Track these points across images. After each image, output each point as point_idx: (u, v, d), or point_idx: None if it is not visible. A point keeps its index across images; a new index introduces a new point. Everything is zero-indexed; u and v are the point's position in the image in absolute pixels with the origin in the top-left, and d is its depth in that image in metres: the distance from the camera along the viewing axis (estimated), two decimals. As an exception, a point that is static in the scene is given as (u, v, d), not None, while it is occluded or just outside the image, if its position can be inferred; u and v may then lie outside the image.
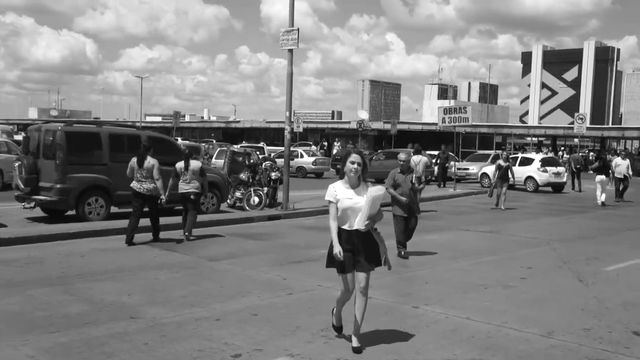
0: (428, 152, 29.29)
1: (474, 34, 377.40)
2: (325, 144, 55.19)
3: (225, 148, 23.22)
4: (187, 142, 38.11)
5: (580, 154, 36.36)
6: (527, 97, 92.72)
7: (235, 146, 26.24)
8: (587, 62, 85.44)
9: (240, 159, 18.04)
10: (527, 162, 27.69)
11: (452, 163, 28.95)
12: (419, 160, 15.85)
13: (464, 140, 46.22)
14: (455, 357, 5.64)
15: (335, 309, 5.98)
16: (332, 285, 8.30)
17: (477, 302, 7.67)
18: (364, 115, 60.07)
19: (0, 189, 18.66)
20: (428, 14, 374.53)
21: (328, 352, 5.65)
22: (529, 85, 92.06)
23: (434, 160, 28.70)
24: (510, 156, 31.42)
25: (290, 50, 16.26)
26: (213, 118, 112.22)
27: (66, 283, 8.01)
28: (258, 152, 23.49)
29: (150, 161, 11.29)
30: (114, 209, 13.73)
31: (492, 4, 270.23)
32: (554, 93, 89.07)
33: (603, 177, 21.60)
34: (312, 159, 34.16)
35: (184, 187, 12.12)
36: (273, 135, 61.43)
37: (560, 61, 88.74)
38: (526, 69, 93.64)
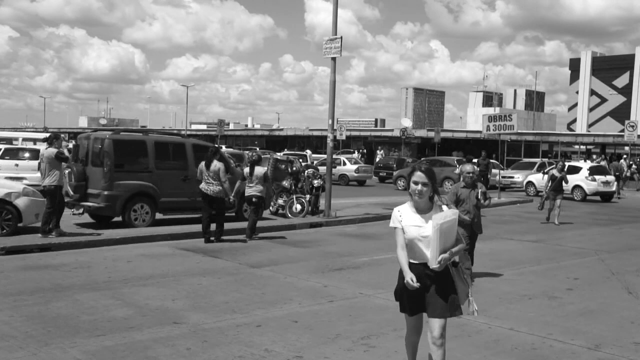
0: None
1: (520, 41, 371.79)
2: (365, 151, 55.02)
3: (269, 155, 23.40)
4: (231, 149, 38.51)
5: (621, 161, 35.45)
6: (575, 105, 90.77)
7: (279, 154, 26.42)
8: (639, 67, 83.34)
9: (283, 166, 18.18)
10: (574, 170, 27.09)
11: (495, 171, 28.45)
12: None
13: (509, 148, 45.58)
14: (497, 368, 5.55)
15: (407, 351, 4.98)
16: (372, 293, 8.28)
17: (521, 313, 7.53)
18: (407, 123, 59.70)
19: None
20: (473, 21, 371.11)
21: (368, 361, 5.62)
22: (577, 92, 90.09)
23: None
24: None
25: (334, 59, 16.32)
26: (257, 126, 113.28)
27: (112, 288, 8.18)
28: (301, 160, 23.62)
29: (216, 164, 12.18)
30: (158, 216, 13.98)
31: (539, 10, 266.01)
32: (603, 100, 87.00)
33: None
34: (355, 166, 34.13)
35: (248, 191, 13.09)
36: (316, 143, 61.63)
37: (610, 67, 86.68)
38: (574, 76, 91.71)
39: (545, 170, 28.92)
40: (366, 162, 43.49)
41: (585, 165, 28.24)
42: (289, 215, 16.66)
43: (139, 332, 6.27)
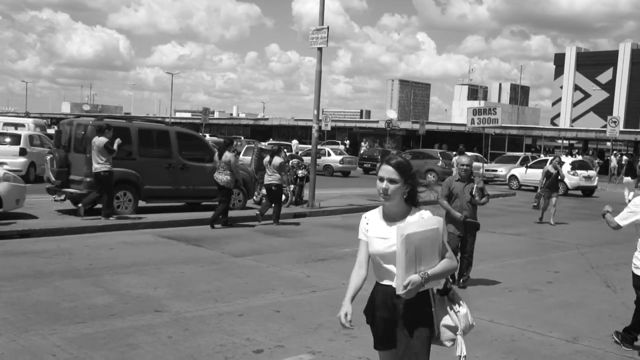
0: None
1: (506, 35, 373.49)
2: (347, 142, 54.80)
3: (253, 145, 23.35)
4: (214, 138, 38.35)
5: (611, 156, 35.82)
6: (559, 100, 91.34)
7: (263, 143, 26.36)
8: (623, 64, 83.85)
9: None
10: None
11: (478, 164, 28.62)
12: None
13: (493, 142, 45.80)
14: (477, 359, 5.60)
15: None
16: (355, 284, 8.31)
17: (501, 305, 7.60)
18: (392, 114, 59.70)
19: (32, 182, 18.98)
20: (460, 14, 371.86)
21: (349, 350, 5.65)
22: (561, 87, 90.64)
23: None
24: (540, 159, 31.19)
25: (320, 49, 16.27)
26: (242, 115, 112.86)
27: (93, 275, 8.13)
28: (285, 150, 23.59)
29: (227, 155, 12.91)
30: (141, 204, 13.90)
31: (526, 4, 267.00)
32: (587, 95, 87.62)
33: (629, 178, 21.99)
34: (340, 157, 34.14)
35: (267, 179, 13.87)
36: (301, 133, 61.54)
37: (594, 63, 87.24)
38: (559, 71, 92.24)
39: (528, 165, 29.21)
40: (351, 154, 43.56)
41: (567, 159, 28.50)
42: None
43: (120, 319, 6.24)
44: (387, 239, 3.35)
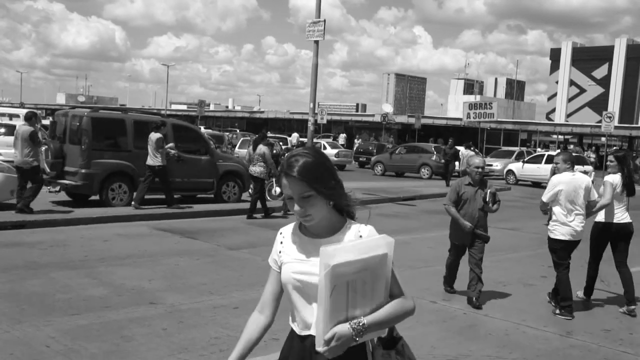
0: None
1: (503, 29, 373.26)
2: (344, 135, 54.31)
3: (249, 138, 23.31)
4: (210, 130, 38.28)
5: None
6: (555, 95, 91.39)
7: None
8: (618, 59, 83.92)
9: (263, 149, 18.06)
10: (552, 160, 27.43)
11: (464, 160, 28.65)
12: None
13: (488, 136, 45.82)
14: (471, 353, 5.62)
15: None
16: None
17: (496, 300, 7.62)
18: (388, 108, 59.69)
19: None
20: (457, 8, 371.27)
21: (344, 344, 5.64)
22: (556, 82, 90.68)
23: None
24: (537, 154, 31.22)
25: (316, 42, 16.25)
26: (237, 108, 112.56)
27: (88, 267, 8.12)
28: (281, 143, 23.56)
29: (261, 148, 13.56)
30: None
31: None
32: (582, 91, 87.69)
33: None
34: (335, 151, 34.14)
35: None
36: (297, 126, 61.48)
37: (590, 58, 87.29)
38: (554, 66, 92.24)
39: (524, 160, 29.26)
40: (346, 148, 43.54)
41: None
42: (269, 197, 16.61)
43: (115, 311, 6.24)
44: (308, 260, 2.29)
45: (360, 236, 2.31)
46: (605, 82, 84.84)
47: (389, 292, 2.28)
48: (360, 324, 2.16)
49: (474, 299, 7.18)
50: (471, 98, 79.41)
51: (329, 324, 2.14)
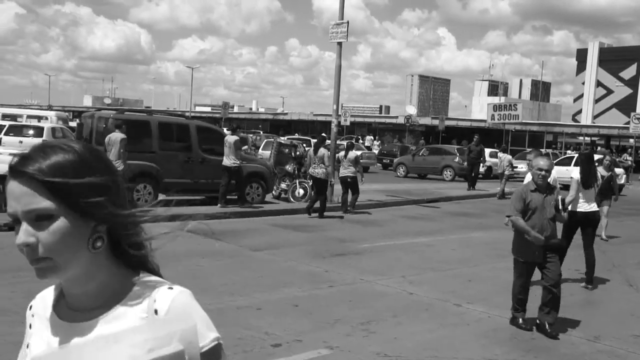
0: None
1: (528, 30, 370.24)
2: (371, 137, 54.41)
3: (272, 139, 23.38)
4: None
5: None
6: (581, 96, 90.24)
7: (282, 138, 26.38)
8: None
9: (287, 150, 18.13)
10: (570, 162, 27.03)
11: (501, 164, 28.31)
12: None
13: (513, 138, 45.45)
14: (495, 357, 5.55)
15: None
16: (373, 279, 8.28)
17: (521, 303, 7.52)
18: (411, 110, 59.51)
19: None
20: (482, 9, 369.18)
21: (367, 346, 5.62)
22: (583, 84, 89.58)
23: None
24: (566, 156, 30.80)
25: (340, 44, 16.22)
26: (261, 110, 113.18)
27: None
28: (304, 145, 23.58)
29: (322, 151, 14.09)
30: (161, 197, 13.96)
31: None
32: (609, 92, 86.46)
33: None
34: (359, 152, 34.04)
35: (343, 172, 15.13)
36: (320, 128, 61.51)
37: (617, 59, 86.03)
38: (581, 67, 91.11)
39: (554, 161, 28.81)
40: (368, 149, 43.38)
41: (594, 157, 28.21)
42: (292, 199, 16.64)
43: (139, 311, 6.26)
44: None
45: (156, 312, 1.26)
46: (633, 82, 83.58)
47: None
48: None
49: (547, 325, 6.26)
50: (495, 100, 78.76)
51: None
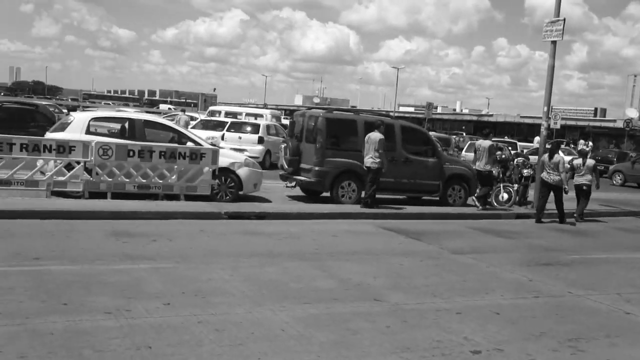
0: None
1: None
2: (583, 141, 50.56)
3: (476, 141, 22.83)
4: (435, 133, 38.19)
5: None
6: None
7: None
8: None
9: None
10: None
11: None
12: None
13: None
14: None
15: None
16: (583, 293, 7.77)
17: None
18: (633, 113, 54.44)
19: (267, 168, 20.57)
20: None
21: (575, 365, 5.29)
22: None
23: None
24: None
25: (554, 42, 15.39)
26: (465, 110, 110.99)
27: (318, 259, 8.59)
28: (510, 148, 22.74)
29: (557, 157, 13.95)
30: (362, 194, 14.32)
31: None
32: None
33: None
34: (568, 157, 31.98)
35: (578, 180, 14.99)
36: (527, 130, 58.84)
37: None
38: None
39: None
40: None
41: None
42: (495, 204, 16.14)
43: (342, 304, 6.52)
44: None
45: None
46: None
47: None
48: None
49: None
50: None
51: None
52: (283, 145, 15.10)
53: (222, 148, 13.45)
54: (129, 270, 7.09)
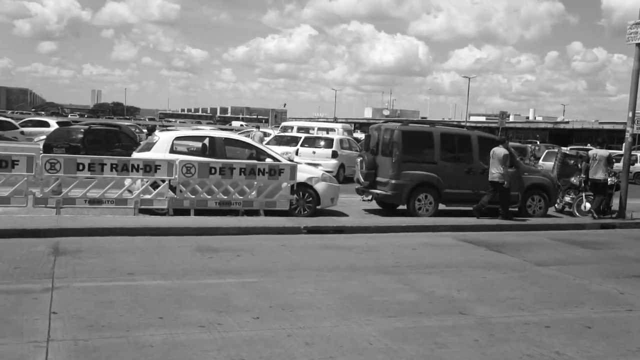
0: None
1: None
2: None
3: (555, 150, 22.30)
4: (512, 142, 37.39)
5: None
6: None
7: (565, 148, 25.00)
8: None
9: (572, 162, 17.18)
10: None
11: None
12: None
13: None
14: None
15: None
16: (680, 307, 7.45)
17: None
18: None
19: (341, 182, 20.71)
20: None
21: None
22: None
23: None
24: None
25: (638, 45, 14.88)
26: (539, 118, 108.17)
27: (399, 273, 8.60)
28: (584, 154, 22.03)
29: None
30: (441, 207, 14.23)
31: None
32: None
33: None
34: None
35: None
36: (606, 137, 56.72)
37: None
38: None
39: None
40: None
41: None
42: (577, 214, 15.70)
43: (427, 318, 6.51)
44: None
45: None
46: None
47: None
48: None
49: None
50: None
51: None
52: (359, 159, 15.19)
53: (299, 163, 13.66)
54: (216, 285, 7.32)
